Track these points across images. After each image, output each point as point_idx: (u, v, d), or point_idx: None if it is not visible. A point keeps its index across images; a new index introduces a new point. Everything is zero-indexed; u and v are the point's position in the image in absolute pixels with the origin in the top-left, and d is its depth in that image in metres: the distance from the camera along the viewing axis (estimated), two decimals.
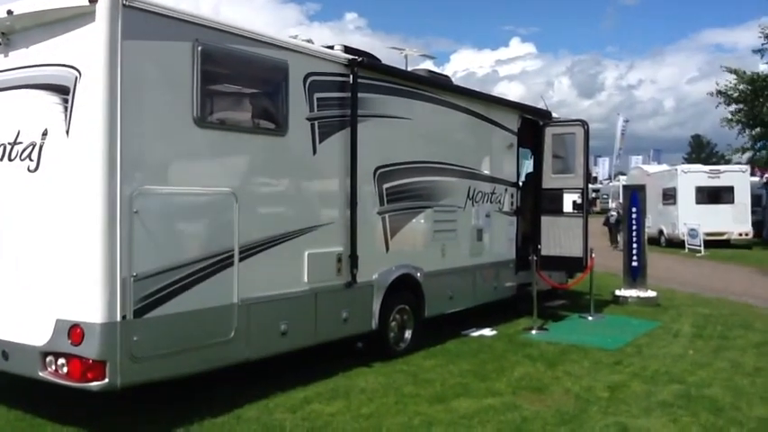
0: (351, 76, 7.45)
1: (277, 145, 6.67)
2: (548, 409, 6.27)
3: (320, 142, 7.11)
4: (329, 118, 7.23)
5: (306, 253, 6.90)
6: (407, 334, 8.45)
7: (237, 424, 5.80)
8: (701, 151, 78.55)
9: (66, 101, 5.36)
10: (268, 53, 6.54)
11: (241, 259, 6.15)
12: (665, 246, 26.75)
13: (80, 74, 5.29)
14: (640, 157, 55.23)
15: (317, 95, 7.04)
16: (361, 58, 7.58)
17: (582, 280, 11.32)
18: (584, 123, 10.83)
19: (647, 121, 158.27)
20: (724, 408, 6.35)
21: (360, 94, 7.53)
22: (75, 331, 5.16)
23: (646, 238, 13.27)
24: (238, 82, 6.52)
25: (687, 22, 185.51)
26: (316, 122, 7.05)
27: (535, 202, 11.18)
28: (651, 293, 12.60)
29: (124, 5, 5.22)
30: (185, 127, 5.75)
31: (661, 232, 27.42)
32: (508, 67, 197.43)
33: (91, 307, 5.11)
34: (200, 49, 5.79)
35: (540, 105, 11.87)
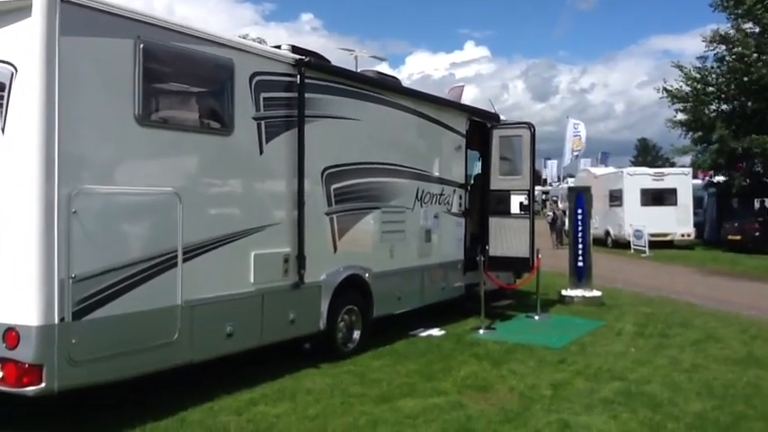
0: (298, 76, 7.41)
1: (222, 144, 6.59)
2: (492, 408, 6.34)
3: (267, 142, 7.06)
4: (276, 118, 7.18)
5: (252, 254, 6.84)
6: (356, 334, 8.45)
7: (181, 427, 5.71)
8: (647, 154, 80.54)
9: (1, 98, 5.20)
10: (213, 51, 6.47)
11: (185, 260, 6.06)
12: (611, 246, 27.32)
13: (16, 70, 5.14)
14: (589, 159, 56.24)
15: (263, 95, 6.99)
16: (308, 59, 7.54)
17: (529, 280, 11.50)
18: (530, 126, 10.97)
19: (598, 125, 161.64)
20: (662, 403, 6.53)
21: (307, 95, 7.50)
22: (10, 335, 5.02)
23: (591, 238, 13.52)
24: (182, 80, 6.40)
25: (637, 28, 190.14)
26: (262, 122, 7.00)
27: (483, 203, 11.31)
28: (596, 293, 12.83)
29: (62, 1, 5.10)
30: (127, 126, 5.65)
31: (608, 233, 28.00)
32: (463, 70, 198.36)
33: (27, 309, 4.98)
34: (142, 46, 5.69)
35: (489, 108, 12.03)
